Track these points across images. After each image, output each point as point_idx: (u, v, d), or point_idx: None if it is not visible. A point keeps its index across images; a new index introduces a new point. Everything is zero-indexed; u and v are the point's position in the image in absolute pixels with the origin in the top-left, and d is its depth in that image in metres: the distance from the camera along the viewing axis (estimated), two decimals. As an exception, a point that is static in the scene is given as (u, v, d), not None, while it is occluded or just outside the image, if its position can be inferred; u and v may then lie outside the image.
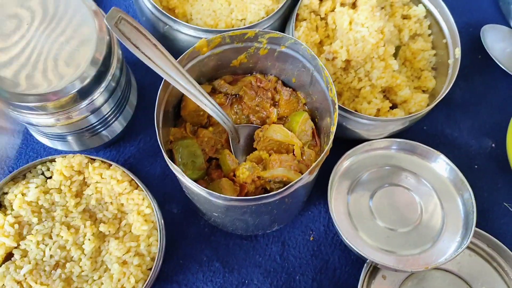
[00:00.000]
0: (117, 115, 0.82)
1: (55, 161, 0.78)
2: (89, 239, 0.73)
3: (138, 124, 0.90)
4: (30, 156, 0.88)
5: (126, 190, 0.77)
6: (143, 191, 0.77)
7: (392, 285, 0.78)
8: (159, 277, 0.77)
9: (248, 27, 0.81)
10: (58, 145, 0.85)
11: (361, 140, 0.83)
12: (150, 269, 0.74)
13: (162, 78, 0.67)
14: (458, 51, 0.85)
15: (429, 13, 0.90)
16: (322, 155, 0.65)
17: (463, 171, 0.80)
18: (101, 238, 0.75)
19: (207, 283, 0.81)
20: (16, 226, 0.72)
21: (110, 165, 0.79)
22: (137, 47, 0.63)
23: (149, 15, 0.84)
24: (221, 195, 0.63)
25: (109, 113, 0.79)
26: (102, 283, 0.72)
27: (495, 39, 1.01)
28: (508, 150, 0.86)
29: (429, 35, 0.91)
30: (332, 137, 0.67)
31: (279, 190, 0.64)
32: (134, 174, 0.79)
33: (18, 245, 0.72)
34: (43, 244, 0.72)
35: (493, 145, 0.94)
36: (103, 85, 0.71)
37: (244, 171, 0.71)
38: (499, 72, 0.99)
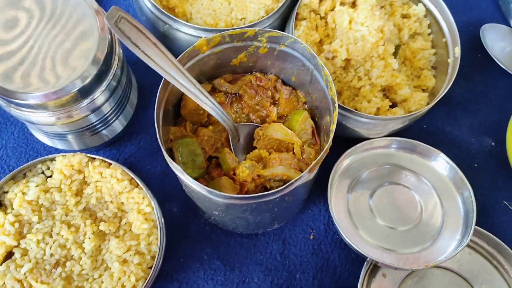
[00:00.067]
0: (118, 114, 0.83)
1: (55, 160, 0.78)
2: (89, 238, 0.73)
3: (138, 123, 0.91)
4: (30, 155, 0.88)
5: (126, 189, 0.77)
6: (143, 190, 0.77)
7: (392, 283, 0.79)
8: (159, 275, 0.77)
9: (248, 26, 0.81)
10: (58, 144, 0.85)
11: (361, 139, 0.83)
12: (151, 267, 0.74)
13: (162, 77, 0.67)
14: (457, 50, 0.85)
15: (428, 12, 0.90)
16: (321, 153, 0.66)
17: (463, 170, 0.80)
18: (101, 236, 0.75)
19: (207, 282, 0.81)
20: (17, 225, 0.72)
21: (110, 164, 0.79)
22: (137, 46, 0.63)
23: (149, 14, 0.84)
24: (221, 193, 0.63)
25: (109, 112, 0.79)
26: (102, 282, 0.72)
27: (494, 38, 1.01)
28: (508, 148, 0.86)
29: (429, 34, 0.91)
30: (332, 135, 0.67)
31: (279, 188, 0.64)
32: (134, 173, 0.79)
33: (19, 244, 0.72)
34: (43, 243, 0.72)
35: (493, 143, 0.94)
36: (104, 84, 0.71)
37: (244, 169, 0.71)
38: (498, 71, 0.99)
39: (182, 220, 0.85)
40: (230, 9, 0.85)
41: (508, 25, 1.04)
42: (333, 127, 0.68)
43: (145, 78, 0.92)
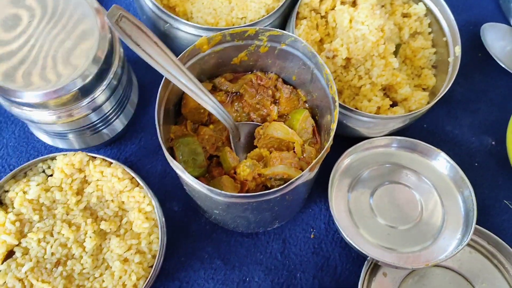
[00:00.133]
0: (118, 113, 0.83)
1: (56, 159, 0.78)
2: (90, 237, 0.73)
3: (139, 122, 0.91)
4: (31, 154, 0.88)
5: (127, 188, 0.77)
6: (144, 188, 0.77)
7: (392, 282, 0.79)
8: (160, 274, 0.77)
9: (249, 25, 0.81)
10: (59, 143, 0.85)
11: (362, 138, 0.83)
12: (151, 266, 0.74)
13: (163, 76, 0.67)
14: (458, 49, 0.85)
15: (429, 11, 0.90)
16: (322, 152, 0.66)
17: (463, 169, 0.81)
18: (102, 235, 0.75)
19: (208, 281, 0.81)
20: (17, 224, 0.72)
21: (111, 163, 0.79)
22: (138, 45, 0.63)
23: (150, 13, 0.84)
24: (222, 192, 0.63)
25: (110, 111, 0.79)
26: (103, 281, 0.72)
27: (495, 37, 1.01)
28: (508, 147, 0.86)
29: (429, 33, 0.91)
30: (332, 134, 0.67)
31: (279, 187, 0.64)
32: (135, 172, 0.79)
33: (19, 243, 0.72)
34: (44, 242, 0.72)
35: (493, 142, 0.94)
36: (105, 83, 0.71)
37: (245, 168, 0.71)
38: (499, 70, 0.99)
39: (182, 219, 0.85)
40: (231, 8, 0.85)
41: (509, 24, 1.04)
42: (334, 126, 0.68)
43: (146, 77, 0.92)
